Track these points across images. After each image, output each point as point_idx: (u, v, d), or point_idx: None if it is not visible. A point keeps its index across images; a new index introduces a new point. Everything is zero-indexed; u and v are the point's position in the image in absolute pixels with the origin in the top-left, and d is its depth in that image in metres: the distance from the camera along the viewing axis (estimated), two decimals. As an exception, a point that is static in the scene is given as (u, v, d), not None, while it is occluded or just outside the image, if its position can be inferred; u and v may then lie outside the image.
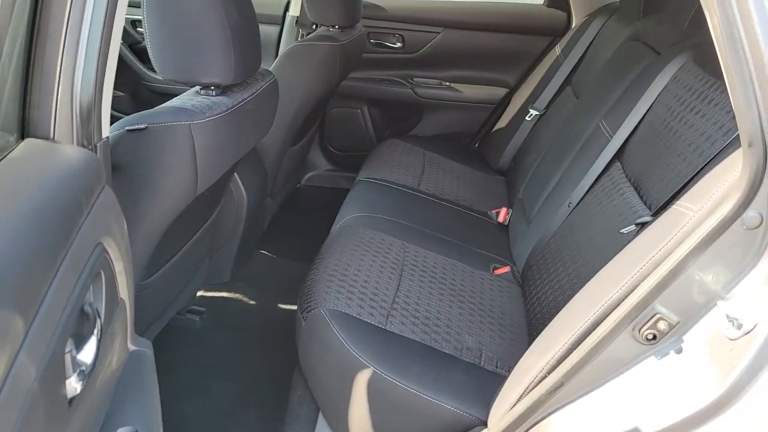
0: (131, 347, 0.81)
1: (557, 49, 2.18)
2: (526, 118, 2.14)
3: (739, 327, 0.80)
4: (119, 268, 0.72)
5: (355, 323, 1.23)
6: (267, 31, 2.38)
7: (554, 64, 2.14)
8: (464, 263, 1.55)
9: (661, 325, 0.85)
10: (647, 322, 0.85)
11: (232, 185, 1.67)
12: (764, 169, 0.76)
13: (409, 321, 1.28)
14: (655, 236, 0.88)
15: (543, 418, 0.96)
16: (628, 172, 1.27)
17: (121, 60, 2.47)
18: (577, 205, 1.41)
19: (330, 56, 1.76)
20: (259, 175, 1.81)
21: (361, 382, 1.14)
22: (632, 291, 0.87)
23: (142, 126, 1.03)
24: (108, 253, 0.68)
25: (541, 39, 2.31)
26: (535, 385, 0.96)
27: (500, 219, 1.83)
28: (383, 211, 1.70)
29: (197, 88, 1.17)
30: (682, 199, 0.89)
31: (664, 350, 0.87)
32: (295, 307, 1.39)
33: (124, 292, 0.75)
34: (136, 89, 2.54)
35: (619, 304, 0.88)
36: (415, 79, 2.41)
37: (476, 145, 2.49)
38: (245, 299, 1.86)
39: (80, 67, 0.77)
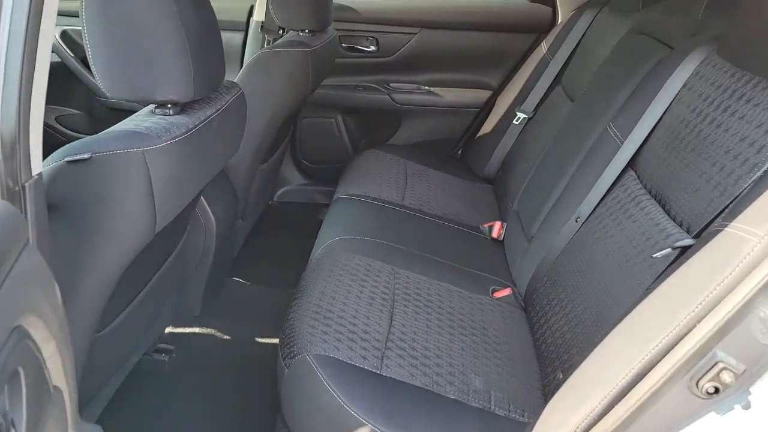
0: (72, 440, 0.62)
1: (543, 47, 2.05)
2: (514, 122, 2.00)
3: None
4: (50, 351, 0.54)
5: (346, 370, 1.06)
6: (230, 38, 2.20)
7: (541, 63, 2.01)
8: (460, 287, 1.40)
9: (725, 377, 0.70)
10: (707, 372, 0.70)
11: (198, 210, 1.49)
12: None
13: (407, 362, 1.11)
14: (710, 267, 0.73)
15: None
16: (647, 183, 1.13)
17: (73, 75, 2.26)
18: (587, 219, 1.26)
19: (301, 63, 1.59)
20: (228, 197, 1.63)
21: (357, 442, 0.97)
22: (687, 333, 0.72)
23: (86, 155, 0.85)
24: (31, 337, 0.50)
25: (525, 37, 2.18)
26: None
27: (494, 234, 1.68)
28: (367, 231, 1.54)
29: (152, 106, 0.99)
30: (737, 220, 0.74)
31: (728, 405, 0.72)
32: (275, 341, 1.23)
33: (59, 378, 0.57)
34: (91, 106, 2.32)
35: (670, 350, 0.73)
36: (391, 84, 2.25)
37: (459, 152, 2.34)
38: (219, 334, 1.67)
39: None
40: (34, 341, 0.51)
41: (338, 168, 2.01)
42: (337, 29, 2.12)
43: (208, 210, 1.49)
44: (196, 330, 1.65)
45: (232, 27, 2.18)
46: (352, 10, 2.14)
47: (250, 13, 2.17)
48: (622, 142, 1.23)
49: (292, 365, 1.08)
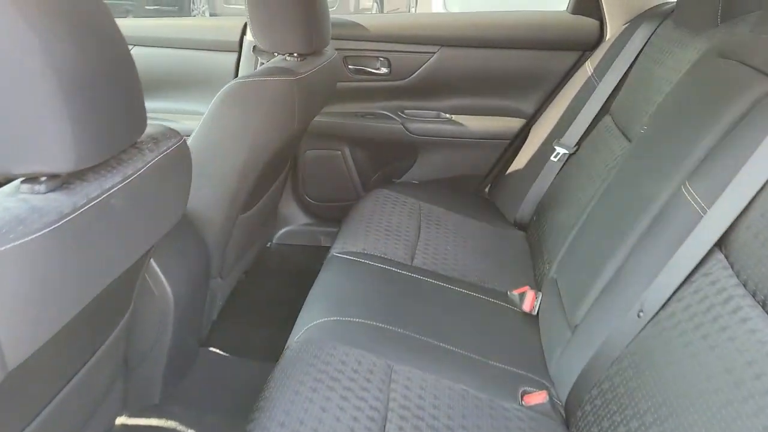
0: None
1: (588, 68, 1.69)
2: (551, 157, 1.65)
3: None
4: None
5: None
6: (222, 60, 1.92)
7: (585, 86, 1.65)
8: (480, 390, 1.06)
9: None
10: None
11: (150, 280, 1.19)
12: None
13: None
14: None
15: None
16: (743, 274, 0.77)
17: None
18: (655, 316, 0.91)
19: (283, 95, 1.29)
20: (193, 258, 1.33)
21: None
22: None
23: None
24: None
25: (565, 55, 1.82)
26: None
27: (525, 307, 1.33)
28: (361, 309, 1.21)
29: (17, 182, 0.69)
30: None
31: None
32: None
33: None
34: None
35: None
36: (406, 111, 1.93)
37: (486, 189, 2.00)
38: (181, 428, 1.37)
39: None
40: None
41: (347, 206, 1.70)
42: (342, 48, 1.82)
43: (163, 278, 1.19)
44: (154, 422, 1.35)
45: (224, 47, 1.91)
46: (359, 26, 1.83)
47: (244, 32, 1.89)
48: (705, 212, 0.87)
49: None
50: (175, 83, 1.96)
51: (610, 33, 1.75)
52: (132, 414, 1.36)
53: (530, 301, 1.33)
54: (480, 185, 2.00)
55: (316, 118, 1.88)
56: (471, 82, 1.87)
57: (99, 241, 0.72)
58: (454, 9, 4.17)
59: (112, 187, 0.73)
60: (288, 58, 1.40)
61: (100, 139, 0.68)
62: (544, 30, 1.80)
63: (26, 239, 0.60)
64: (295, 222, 2.08)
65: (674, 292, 0.89)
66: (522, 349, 1.22)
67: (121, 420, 1.35)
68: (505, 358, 1.17)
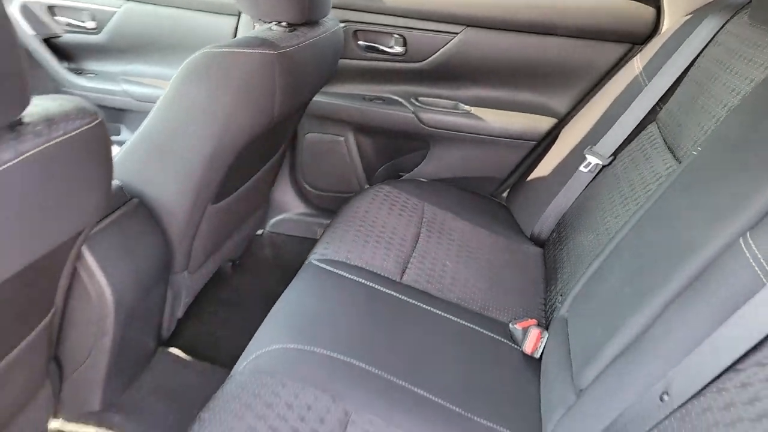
0: None
1: (637, 65, 1.43)
2: (581, 167, 1.40)
3: None
4: None
5: None
6: (220, 23, 1.73)
7: (631, 87, 1.40)
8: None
9: None
10: None
11: (86, 279, 1.02)
12: None
13: None
14: None
15: None
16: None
17: (33, 60, 1.87)
18: (683, 407, 0.68)
19: (261, 70, 1.08)
20: (145, 253, 1.15)
21: None
22: None
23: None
24: None
25: (611, 47, 1.55)
26: None
27: (527, 349, 1.11)
28: (327, 336, 1.02)
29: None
30: None
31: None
32: None
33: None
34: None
35: None
36: (420, 98, 1.70)
37: (504, 194, 1.77)
38: (122, 441, 1.21)
39: None
40: None
41: (347, 199, 1.50)
42: (352, 21, 1.60)
43: (101, 278, 1.02)
44: (92, 430, 1.20)
45: (221, 10, 1.71)
46: (375, -3, 1.60)
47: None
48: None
49: None
50: (166, 46, 1.77)
51: (668, 24, 1.47)
52: (69, 418, 1.21)
53: (533, 342, 1.12)
54: (497, 189, 1.77)
55: (318, 98, 1.68)
56: (497, 70, 1.62)
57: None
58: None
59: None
60: (274, 28, 1.19)
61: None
62: (588, 16, 1.52)
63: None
64: (290, 210, 1.90)
65: (713, 380, 0.66)
66: (517, 403, 1.01)
67: (55, 425, 1.20)
68: (494, 413, 0.97)
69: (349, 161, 1.79)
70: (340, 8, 1.58)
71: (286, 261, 1.84)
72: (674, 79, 1.28)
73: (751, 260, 0.67)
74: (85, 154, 0.72)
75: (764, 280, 0.64)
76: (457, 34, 1.59)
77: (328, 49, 1.32)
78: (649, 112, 1.32)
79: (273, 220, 1.90)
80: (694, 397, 0.68)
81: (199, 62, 1.06)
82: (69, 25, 1.84)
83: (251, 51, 1.07)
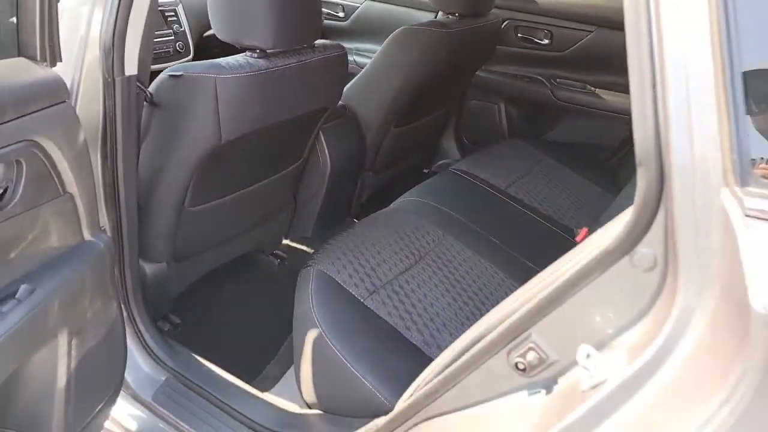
0: (87, 237, 0.99)
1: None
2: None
3: (591, 378, 0.66)
4: (62, 166, 0.90)
5: (334, 289, 1.27)
6: (423, 17, 2.45)
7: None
8: (500, 269, 1.44)
9: (531, 356, 0.74)
10: (519, 348, 0.75)
11: (318, 149, 1.81)
12: (658, 196, 0.62)
13: (392, 304, 1.26)
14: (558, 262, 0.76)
15: (416, 424, 0.90)
16: None
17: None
18: None
19: (434, 43, 1.77)
20: (351, 147, 1.91)
21: (310, 340, 1.19)
22: (514, 313, 0.76)
23: (179, 73, 1.22)
24: (44, 150, 0.86)
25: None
26: (424, 385, 0.90)
27: (578, 238, 1.63)
28: (446, 202, 1.66)
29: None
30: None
31: (536, 387, 0.75)
32: None
33: (72, 187, 0.93)
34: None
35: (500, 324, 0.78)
36: (558, 80, 2.24)
37: (616, 161, 2.21)
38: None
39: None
40: (44, 154, 0.86)
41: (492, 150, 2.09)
42: (514, 18, 2.21)
43: (327, 153, 1.80)
44: (305, 248, 2.01)
45: (426, 8, 2.44)
46: (532, 1, 2.19)
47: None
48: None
49: (302, 272, 1.33)
50: (385, 31, 2.57)
51: None
52: (294, 239, 2.02)
53: (583, 236, 1.63)
54: (611, 158, 2.22)
55: (480, 74, 2.32)
56: (621, 62, 2.09)
57: (273, 91, 1.31)
58: None
59: (289, 64, 1.32)
60: (450, 17, 1.87)
61: (286, 35, 1.26)
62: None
63: (239, 75, 1.22)
64: (450, 157, 2.56)
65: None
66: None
67: (286, 241, 2.02)
68: (534, 262, 1.52)
69: (498, 124, 2.40)
70: (505, 9, 2.21)
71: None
72: None
73: None
74: (333, 66, 1.47)
75: None
76: (591, 32, 2.11)
77: (488, 35, 1.96)
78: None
79: (438, 163, 2.58)
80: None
81: (399, 34, 1.79)
82: (328, 14, 2.75)
83: (428, 29, 1.76)
